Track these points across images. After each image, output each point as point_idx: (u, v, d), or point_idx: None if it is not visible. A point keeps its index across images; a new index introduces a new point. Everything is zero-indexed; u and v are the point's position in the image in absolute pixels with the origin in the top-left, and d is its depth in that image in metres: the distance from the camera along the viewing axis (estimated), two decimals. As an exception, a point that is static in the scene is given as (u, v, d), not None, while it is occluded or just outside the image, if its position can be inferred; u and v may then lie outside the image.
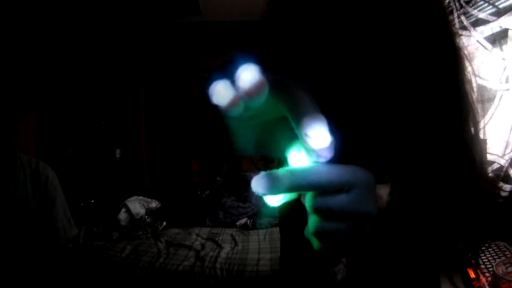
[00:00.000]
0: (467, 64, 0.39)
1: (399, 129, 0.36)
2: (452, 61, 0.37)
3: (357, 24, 0.34)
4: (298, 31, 0.37)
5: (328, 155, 0.20)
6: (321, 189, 0.21)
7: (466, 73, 0.39)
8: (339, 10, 0.35)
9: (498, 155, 1.41)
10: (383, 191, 0.37)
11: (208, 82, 0.21)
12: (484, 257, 1.01)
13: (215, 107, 0.22)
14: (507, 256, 0.98)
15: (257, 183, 0.20)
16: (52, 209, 1.09)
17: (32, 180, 1.06)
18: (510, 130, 1.35)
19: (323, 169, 0.21)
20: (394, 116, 0.36)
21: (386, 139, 0.37)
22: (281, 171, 0.21)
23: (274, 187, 0.20)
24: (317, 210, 0.22)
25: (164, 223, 2.28)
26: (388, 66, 0.35)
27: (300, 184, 0.21)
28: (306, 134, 0.19)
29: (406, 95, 0.35)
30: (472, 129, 0.39)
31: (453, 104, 0.37)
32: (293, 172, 0.21)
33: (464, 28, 1.61)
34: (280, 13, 0.39)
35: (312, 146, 0.20)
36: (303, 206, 0.23)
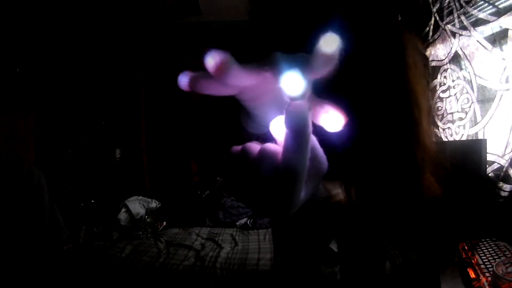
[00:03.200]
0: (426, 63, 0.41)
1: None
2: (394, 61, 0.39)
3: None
4: (276, 30, 0.38)
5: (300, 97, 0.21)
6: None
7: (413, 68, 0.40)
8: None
9: (498, 155, 1.40)
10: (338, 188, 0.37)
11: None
12: (484, 257, 1.01)
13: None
14: (507, 256, 0.98)
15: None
16: (40, 211, 1.08)
17: (18, 182, 1.05)
18: (510, 130, 1.35)
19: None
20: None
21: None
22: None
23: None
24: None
25: (164, 223, 2.28)
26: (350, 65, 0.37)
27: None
28: (281, 82, 0.21)
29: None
30: (417, 117, 0.40)
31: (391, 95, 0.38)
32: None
33: (464, 28, 1.60)
34: (262, 13, 0.41)
35: (288, 93, 0.21)
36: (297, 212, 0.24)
